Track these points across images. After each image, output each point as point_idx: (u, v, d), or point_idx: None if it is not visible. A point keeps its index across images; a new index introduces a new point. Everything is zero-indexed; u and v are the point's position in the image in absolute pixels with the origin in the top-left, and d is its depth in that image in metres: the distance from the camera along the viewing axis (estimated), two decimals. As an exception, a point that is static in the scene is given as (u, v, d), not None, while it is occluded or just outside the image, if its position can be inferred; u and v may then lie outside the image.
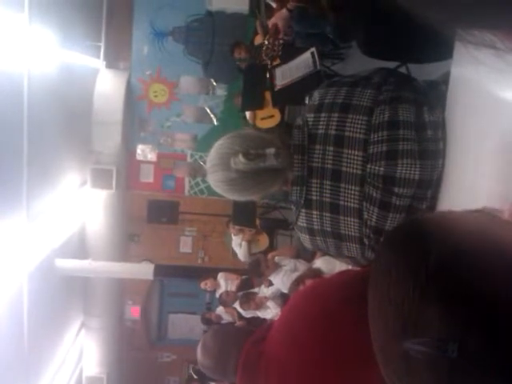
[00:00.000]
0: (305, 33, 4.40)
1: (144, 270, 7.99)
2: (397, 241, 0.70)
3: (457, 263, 0.61)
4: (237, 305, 6.47)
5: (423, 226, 0.69)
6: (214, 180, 1.65)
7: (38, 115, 5.58)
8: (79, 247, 8.07)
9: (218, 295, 7.15)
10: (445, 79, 1.63)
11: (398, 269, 0.65)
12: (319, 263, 4.95)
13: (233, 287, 6.91)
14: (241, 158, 1.56)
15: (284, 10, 3.41)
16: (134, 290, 9.40)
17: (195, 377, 8.05)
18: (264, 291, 6.13)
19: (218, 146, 1.65)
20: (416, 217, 0.73)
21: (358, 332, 0.85)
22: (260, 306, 6.01)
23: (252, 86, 5.77)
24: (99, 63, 8.33)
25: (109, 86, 8.38)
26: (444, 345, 0.58)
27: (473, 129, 1.39)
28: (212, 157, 1.65)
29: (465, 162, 1.44)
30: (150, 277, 7.88)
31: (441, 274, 0.61)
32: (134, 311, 9.70)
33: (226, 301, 6.67)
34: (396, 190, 1.53)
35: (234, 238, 7.34)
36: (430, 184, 1.55)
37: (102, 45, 8.30)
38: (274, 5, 4.48)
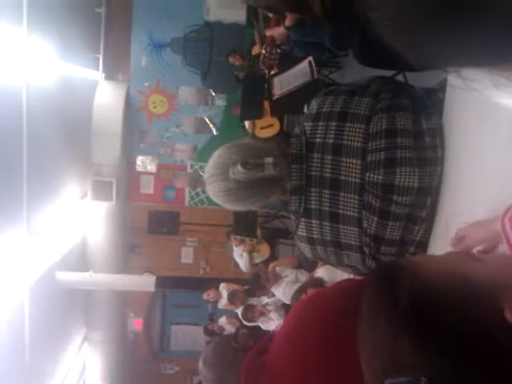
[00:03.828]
0: (302, 42, 4.41)
1: (146, 282, 7.97)
2: (375, 286, 0.77)
3: (426, 307, 0.68)
4: (239, 312, 6.42)
5: (396, 272, 0.75)
6: (213, 190, 1.64)
7: (37, 128, 5.58)
8: (80, 260, 8.05)
9: (220, 306, 7.12)
10: (442, 86, 1.63)
11: (374, 315, 0.73)
12: (321, 272, 4.93)
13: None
14: (239, 167, 1.55)
15: (281, 28, 3.43)
16: (136, 302, 9.37)
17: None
18: (265, 300, 6.10)
19: (217, 156, 1.65)
20: (395, 261, 0.81)
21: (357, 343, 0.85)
22: (263, 313, 5.97)
23: (251, 96, 5.78)
24: (98, 75, 8.35)
25: (108, 97, 8.39)
26: (416, 381, 0.64)
27: (470, 135, 1.39)
28: (210, 167, 1.64)
29: (463, 168, 1.43)
30: (152, 288, 7.85)
31: (411, 318, 0.68)
32: (136, 323, 9.66)
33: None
34: (395, 198, 1.52)
35: (235, 248, 7.32)
36: (429, 192, 1.54)
37: (101, 57, 8.32)
38: (270, 15, 4.50)
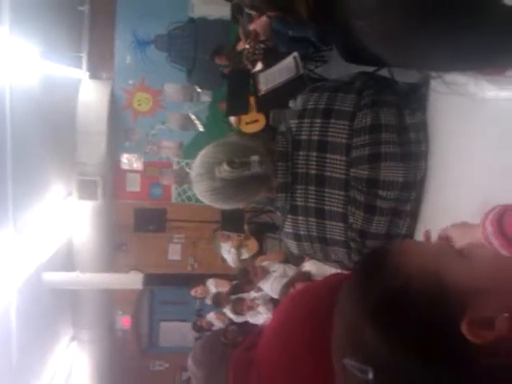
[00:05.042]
0: (287, 37, 4.41)
1: (133, 280, 7.94)
2: (358, 270, 0.78)
3: (398, 301, 0.69)
4: (228, 311, 6.45)
5: (382, 259, 0.75)
6: (200, 189, 1.65)
7: (21, 127, 5.54)
8: (66, 259, 8.00)
9: (208, 302, 7.12)
10: (426, 81, 1.65)
11: (351, 296, 0.74)
12: (308, 266, 4.95)
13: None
14: (225, 166, 1.56)
15: (264, 18, 3.44)
16: (123, 300, 9.34)
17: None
18: (253, 294, 6.13)
19: (203, 155, 1.65)
20: (380, 247, 0.81)
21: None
22: (252, 307, 6.00)
23: (236, 91, 5.78)
24: (82, 74, 8.29)
25: (92, 96, 8.34)
26: (365, 370, 0.67)
27: (454, 131, 1.40)
28: (197, 166, 1.65)
29: (447, 163, 1.45)
30: (140, 286, 7.83)
31: (381, 308, 0.69)
32: (124, 321, 9.63)
33: (219, 301, 6.62)
34: (380, 192, 1.54)
35: (222, 245, 7.31)
36: (414, 186, 1.56)
37: (85, 55, 8.26)
38: (253, 13, 4.51)
